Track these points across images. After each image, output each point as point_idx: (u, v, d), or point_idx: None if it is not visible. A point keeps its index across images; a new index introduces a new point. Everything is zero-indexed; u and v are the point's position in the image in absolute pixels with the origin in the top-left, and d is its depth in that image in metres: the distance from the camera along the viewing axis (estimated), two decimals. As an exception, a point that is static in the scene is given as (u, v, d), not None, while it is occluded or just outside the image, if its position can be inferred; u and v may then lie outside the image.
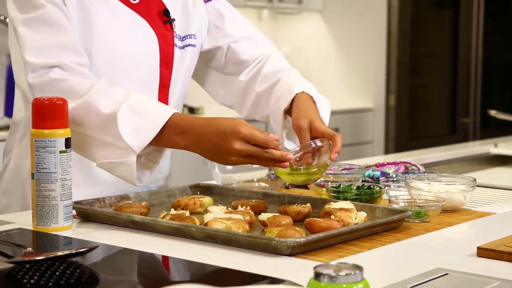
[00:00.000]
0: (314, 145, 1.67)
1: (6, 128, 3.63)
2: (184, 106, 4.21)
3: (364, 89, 5.06)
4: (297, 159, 1.65)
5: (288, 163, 1.57)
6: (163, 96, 1.80)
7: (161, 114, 1.58)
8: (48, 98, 1.47)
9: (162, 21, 1.78)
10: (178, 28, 1.82)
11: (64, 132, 1.45)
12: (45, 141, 1.44)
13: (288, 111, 1.84)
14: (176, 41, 1.81)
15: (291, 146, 1.81)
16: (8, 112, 3.84)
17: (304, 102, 1.80)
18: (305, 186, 1.92)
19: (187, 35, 1.84)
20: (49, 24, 1.62)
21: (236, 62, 1.94)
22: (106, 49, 1.69)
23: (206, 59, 1.95)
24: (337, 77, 5.13)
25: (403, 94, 5.06)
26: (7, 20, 3.64)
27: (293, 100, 1.82)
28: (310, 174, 1.67)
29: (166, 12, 1.78)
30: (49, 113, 1.44)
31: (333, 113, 4.16)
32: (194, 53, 1.87)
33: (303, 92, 1.82)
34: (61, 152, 1.45)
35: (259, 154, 1.54)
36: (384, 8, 4.96)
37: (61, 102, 1.46)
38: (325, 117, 1.84)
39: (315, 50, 5.21)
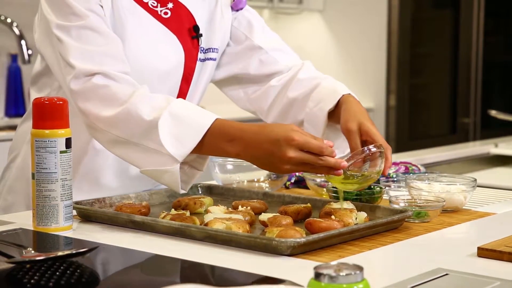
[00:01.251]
0: (367, 151, 1.58)
1: (6, 128, 3.63)
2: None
3: (364, 89, 5.06)
4: (351, 166, 1.58)
5: (342, 171, 1.50)
6: None
7: (203, 120, 1.53)
8: (49, 98, 1.47)
9: (190, 36, 1.76)
10: (203, 41, 1.80)
11: (65, 132, 1.45)
12: (46, 141, 1.44)
13: (330, 115, 1.77)
14: (199, 54, 1.79)
15: None
16: (8, 112, 3.84)
17: (352, 104, 1.72)
18: (306, 186, 1.92)
19: (210, 48, 1.82)
20: (93, 33, 1.60)
21: (267, 73, 1.88)
22: (132, 61, 1.66)
23: (231, 65, 1.89)
24: (338, 77, 5.08)
25: (404, 94, 5.06)
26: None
27: (338, 103, 1.74)
28: (363, 182, 1.59)
29: (196, 28, 1.76)
30: (49, 113, 1.44)
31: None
32: (214, 66, 1.85)
33: (349, 94, 1.76)
34: (61, 152, 1.45)
35: (314, 161, 1.47)
36: (384, 8, 4.96)
37: (61, 102, 1.46)
38: None
39: (315, 50, 5.21)
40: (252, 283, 1.14)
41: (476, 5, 5.41)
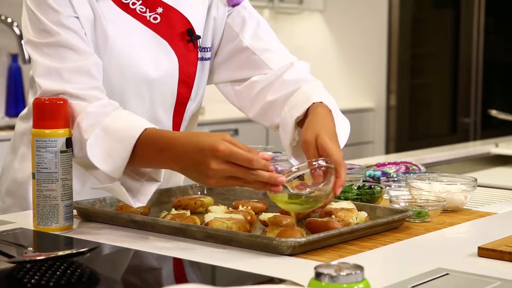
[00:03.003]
0: (316, 165, 1.42)
1: (6, 128, 3.63)
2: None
3: (364, 89, 5.06)
4: (301, 184, 1.43)
5: (280, 187, 1.36)
6: (179, 112, 1.76)
7: (131, 133, 1.46)
8: (49, 98, 1.47)
9: (184, 40, 1.72)
10: (201, 41, 1.76)
11: (65, 132, 1.45)
12: (46, 141, 1.44)
13: (300, 123, 1.61)
14: (198, 54, 1.75)
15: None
16: (9, 112, 3.84)
17: (318, 114, 1.57)
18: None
19: (205, 48, 1.78)
20: (64, 50, 1.58)
21: (254, 74, 1.80)
22: (119, 71, 1.64)
23: (222, 64, 1.83)
24: (338, 77, 5.13)
25: (404, 94, 5.06)
26: (14, 24, 3.64)
27: (308, 111, 1.59)
28: (311, 202, 1.42)
29: (190, 32, 1.72)
30: (49, 113, 1.44)
31: (334, 113, 4.02)
32: (208, 65, 1.82)
33: (321, 103, 1.60)
34: (61, 152, 1.45)
35: (243, 175, 1.35)
36: (385, 8, 4.96)
37: (61, 102, 1.46)
38: (342, 138, 1.65)
39: (315, 50, 5.21)
40: (253, 283, 1.14)
41: (476, 4, 5.41)
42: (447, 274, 1.17)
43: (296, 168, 1.42)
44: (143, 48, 1.67)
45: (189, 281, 1.17)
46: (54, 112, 1.45)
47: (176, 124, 1.77)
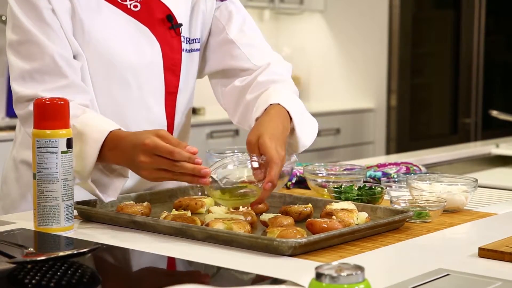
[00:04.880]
0: (247, 160, 1.50)
1: (6, 128, 3.63)
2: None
3: (365, 89, 5.06)
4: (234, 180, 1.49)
5: (208, 180, 1.44)
6: (170, 103, 1.78)
7: (98, 135, 1.55)
8: (50, 99, 1.47)
9: (166, 27, 1.75)
10: (186, 31, 1.79)
11: (66, 133, 1.45)
12: (47, 141, 1.44)
13: None
14: (184, 45, 1.78)
15: None
16: (9, 112, 3.83)
17: (268, 115, 1.63)
18: (307, 187, 1.92)
19: (194, 39, 1.81)
20: (31, 48, 1.62)
21: (236, 68, 1.86)
22: (102, 60, 1.67)
23: (210, 55, 1.88)
24: (339, 77, 5.13)
25: (405, 94, 5.06)
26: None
27: (264, 111, 1.66)
28: (239, 197, 1.49)
29: (169, 18, 1.75)
30: (50, 113, 1.44)
31: (334, 113, 4.16)
32: (199, 56, 1.85)
33: (278, 104, 1.66)
34: (62, 152, 1.45)
35: (168, 167, 1.45)
36: (385, 8, 4.96)
37: (62, 103, 1.46)
38: (305, 139, 1.70)
39: (316, 50, 5.21)
40: (253, 283, 1.14)
41: (477, 4, 5.41)
42: (447, 274, 1.17)
43: (228, 161, 1.52)
44: (123, 35, 1.70)
45: (189, 282, 1.17)
46: (54, 113, 1.45)
47: (170, 116, 1.79)
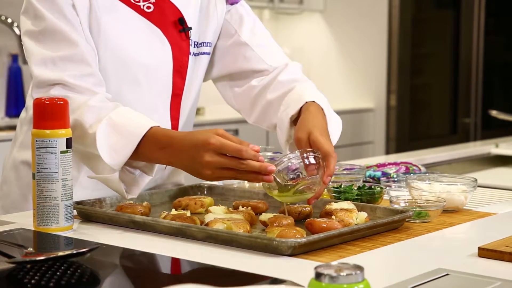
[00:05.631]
0: (304, 156, 1.52)
1: (6, 128, 3.63)
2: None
3: (365, 89, 5.06)
4: (292, 175, 1.51)
5: (271, 177, 1.46)
6: (175, 105, 1.79)
7: (138, 130, 1.55)
8: (49, 98, 1.47)
9: (177, 29, 1.76)
10: (195, 35, 1.80)
11: (65, 132, 1.45)
12: (46, 141, 1.44)
13: (295, 121, 1.71)
14: (191, 48, 1.79)
15: None
16: (9, 112, 3.84)
17: (310, 112, 1.67)
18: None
19: (203, 43, 1.82)
20: (55, 37, 1.63)
21: (251, 70, 1.87)
22: (115, 59, 1.68)
23: (223, 61, 1.89)
24: (338, 77, 5.13)
25: (404, 94, 5.06)
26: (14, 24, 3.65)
27: (301, 109, 1.70)
28: (299, 193, 1.51)
29: (181, 21, 1.76)
30: (50, 113, 1.44)
31: (334, 113, 4.03)
32: (207, 60, 1.85)
33: (313, 102, 1.70)
34: (62, 152, 1.45)
35: (235, 166, 1.44)
36: (385, 8, 4.96)
37: (62, 102, 1.46)
38: (334, 134, 1.73)
39: (316, 50, 5.21)
40: (253, 283, 1.14)
41: (476, 5, 5.41)
42: (447, 274, 1.17)
43: (286, 158, 1.52)
44: (136, 35, 1.71)
45: (189, 282, 1.17)
46: (54, 112, 1.45)
47: (174, 118, 1.80)
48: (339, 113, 1.87)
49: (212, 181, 1.56)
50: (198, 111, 4.30)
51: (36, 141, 1.44)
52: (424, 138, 5.18)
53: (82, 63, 1.63)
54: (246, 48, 1.86)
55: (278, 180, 1.49)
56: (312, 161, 1.54)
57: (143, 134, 1.53)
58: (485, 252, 1.30)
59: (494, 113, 3.63)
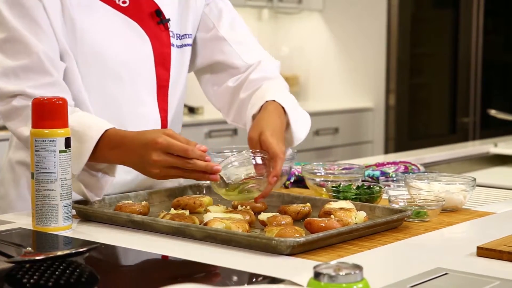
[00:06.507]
0: (252, 157, 1.55)
1: (5, 128, 3.62)
2: (184, 106, 4.22)
3: (364, 89, 5.06)
4: (238, 175, 1.54)
5: (217, 176, 1.50)
6: (162, 97, 1.80)
7: (93, 134, 1.56)
8: (48, 98, 1.47)
9: (155, 22, 1.76)
10: (176, 27, 1.81)
11: (64, 132, 1.45)
12: (45, 140, 1.44)
13: None
14: (174, 40, 1.80)
15: None
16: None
17: (267, 112, 1.68)
18: (305, 186, 1.91)
19: (185, 34, 1.83)
20: (17, 46, 1.62)
21: (227, 66, 1.88)
22: (94, 56, 1.69)
23: (199, 51, 1.91)
24: (337, 77, 5.13)
25: (403, 94, 5.05)
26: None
27: (261, 108, 1.71)
28: (245, 192, 1.55)
29: (158, 12, 1.76)
30: (48, 112, 1.44)
31: (333, 112, 4.15)
32: (190, 52, 1.87)
33: (274, 101, 1.71)
34: (60, 151, 1.45)
35: (182, 165, 1.48)
36: (384, 7, 4.96)
37: (60, 102, 1.46)
38: (300, 133, 1.75)
39: (315, 50, 5.21)
40: (252, 282, 1.14)
41: (475, 4, 5.41)
42: (446, 273, 1.17)
43: (234, 158, 1.55)
44: (113, 31, 1.72)
45: (188, 281, 1.17)
46: (53, 112, 1.45)
47: (163, 110, 1.81)
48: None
49: (160, 179, 1.59)
50: (197, 110, 4.30)
51: (35, 140, 1.44)
52: (423, 137, 5.18)
53: (43, 73, 1.63)
54: (224, 43, 1.88)
55: (224, 179, 1.53)
56: (259, 161, 1.57)
57: (98, 138, 1.55)
58: (484, 252, 1.30)
59: (493, 112, 3.63)
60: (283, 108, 1.71)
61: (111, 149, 1.55)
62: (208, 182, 1.82)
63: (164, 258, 1.31)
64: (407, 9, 5.01)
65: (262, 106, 1.71)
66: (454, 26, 5.41)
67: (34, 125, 1.45)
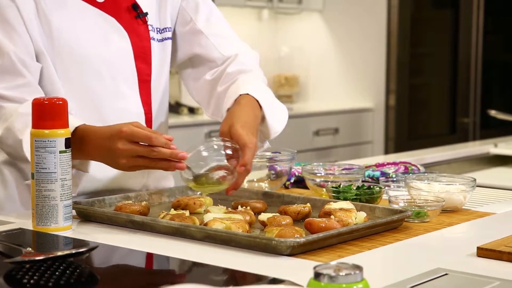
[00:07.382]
0: (216, 147, 1.56)
1: None
2: (184, 106, 4.22)
3: (364, 89, 5.06)
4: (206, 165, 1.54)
5: (184, 164, 1.50)
6: (145, 91, 1.80)
7: None
8: (48, 98, 1.47)
9: (132, 16, 1.77)
10: (155, 21, 1.82)
11: (64, 132, 1.45)
12: (45, 141, 1.44)
13: None
14: (153, 34, 1.81)
15: None
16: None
17: (239, 105, 1.69)
18: (305, 186, 1.92)
19: (165, 28, 1.84)
20: None
21: (205, 59, 1.89)
22: (72, 54, 1.69)
23: (178, 45, 1.91)
24: (337, 77, 5.13)
25: (403, 94, 5.05)
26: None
27: (235, 102, 1.72)
28: (214, 183, 1.56)
29: (134, 6, 1.77)
30: (49, 113, 1.44)
31: (332, 113, 4.15)
32: (170, 45, 1.87)
33: (247, 94, 1.72)
34: (61, 152, 1.45)
35: (147, 153, 1.49)
36: (384, 8, 4.95)
37: (61, 102, 1.46)
38: (276, 125, 1.76)
39: (315, 50, 5.21)
40: (252, 283, 1.14)
41: (475, 4, 5.41)
42: (446, 274, 1.17)
43: (202, 147, 1.56)
44: (90, 28, 1.72)
45: (188, 281, 1.17)
46: (53, 112, 1.45)
47: (146, 103, 1.81)
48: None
49: (128, 170, 1.58)
50: (197, 110, 4.29)
51: (35, 141, 1.44)
52: (423, 137, 5.17)
53: (15, 74, 1.63)
54: (201, 36, 1.89)
55: (191, 168, 1.53)
56: (228, 151, 1.57)
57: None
58: (484, 252, 1.30)
59: (493, 112, 3.63)
60: (257, 101, 1.72)
61: (81, 144, 1.55)
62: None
63: (164, 258, 1.31)
64: (407, 9, 5.01)
65: (236, 99, 1.72)
66: (454, 26, 5.41)
67: (34, 126, 1.45)
